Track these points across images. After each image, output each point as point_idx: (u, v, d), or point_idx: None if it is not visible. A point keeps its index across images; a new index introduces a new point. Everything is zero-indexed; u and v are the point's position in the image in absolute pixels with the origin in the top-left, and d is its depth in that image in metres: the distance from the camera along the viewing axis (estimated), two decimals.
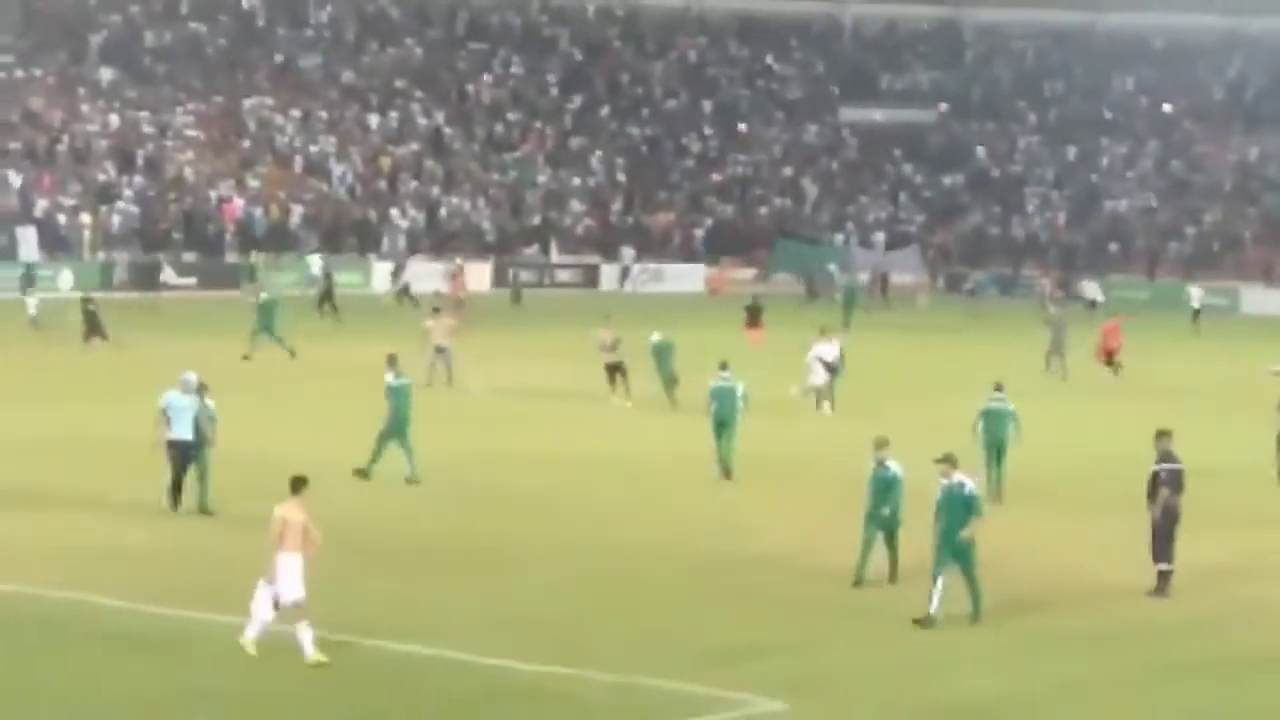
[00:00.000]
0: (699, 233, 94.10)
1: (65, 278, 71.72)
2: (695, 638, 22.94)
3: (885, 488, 25.45)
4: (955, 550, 23.74)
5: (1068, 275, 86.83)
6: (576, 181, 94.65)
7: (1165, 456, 26.04)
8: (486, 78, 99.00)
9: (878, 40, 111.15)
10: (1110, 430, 41.53)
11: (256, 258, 77.76)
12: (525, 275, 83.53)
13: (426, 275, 72.58)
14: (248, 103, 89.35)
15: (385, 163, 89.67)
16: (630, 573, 26.62)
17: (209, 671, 20.92)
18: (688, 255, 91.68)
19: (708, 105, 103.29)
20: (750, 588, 25.81)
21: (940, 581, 23.56)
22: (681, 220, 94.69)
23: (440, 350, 46.11)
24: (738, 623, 23.87)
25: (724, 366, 35.34)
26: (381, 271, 78.35)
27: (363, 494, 31.62)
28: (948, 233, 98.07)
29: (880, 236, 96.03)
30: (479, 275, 73.14)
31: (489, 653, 21.74)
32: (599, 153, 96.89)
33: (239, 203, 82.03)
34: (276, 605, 21.10)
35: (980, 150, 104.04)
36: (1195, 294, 73.73)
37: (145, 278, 74.73)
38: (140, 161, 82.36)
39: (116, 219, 78.05)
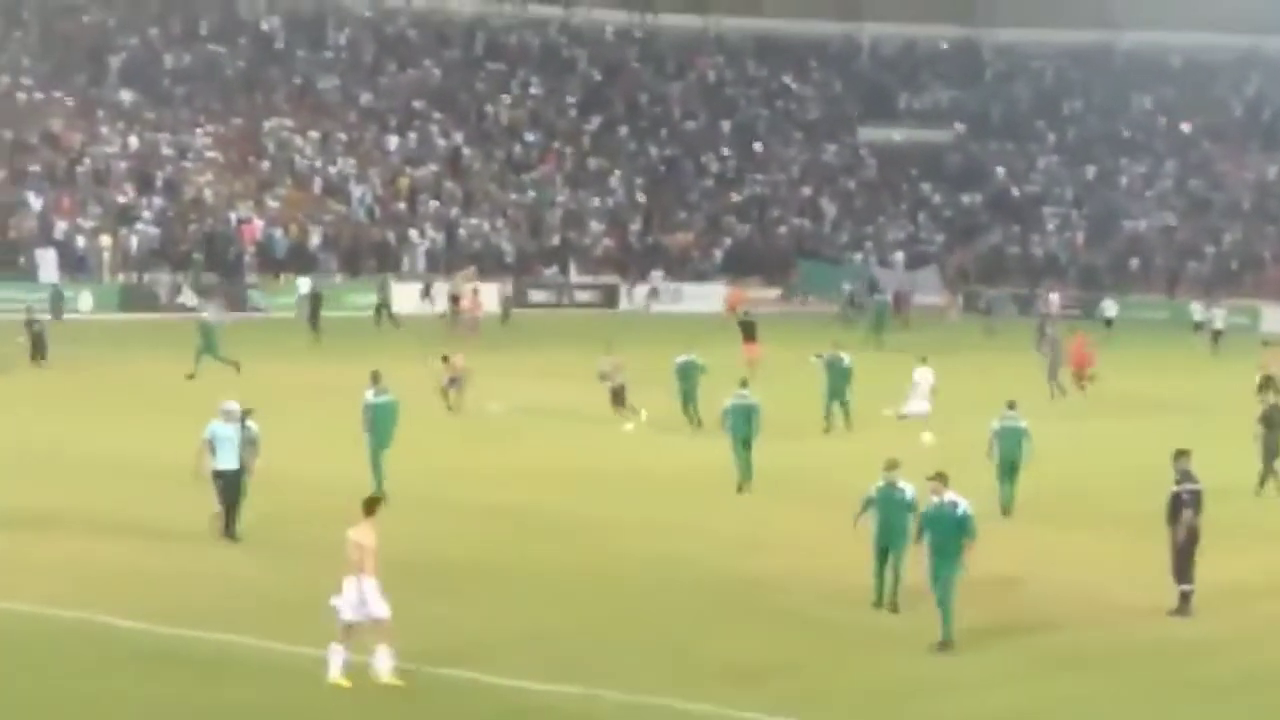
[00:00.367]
0: (718, 253, 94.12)
1: (85, 299, 72.09)
2: (708, 656, 22.88)
3: (897, 510, 25.31)
4: (939, 574, 23.57)
5: (1082, 294, 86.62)
6: (595, 202, 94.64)
7: (1185, 476, 25.92)
8: (505, 98, 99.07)
9: (896, 60, 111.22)
10: (1126, 449, 41.35)
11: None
12: (538, 295, 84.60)
13: (439, 295, 74.65)
14: (267, 124, 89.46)
15: (404, 184, 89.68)
16: (643, 591, 26.56)
17: (227, 689, 20.93)
18: (706, 274, 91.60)
19: (726, 125, 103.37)
20: (765, 606, 25.74)
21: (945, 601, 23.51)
22: (700, 240, 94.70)
23: (453, 380, 46.06)
24: (751, 641, 23.79)
25: (744, 384, 36.23)
26: (409, 292, 78.04)
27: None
28: (966, 252, 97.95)
29: (899, 256, 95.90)
30: (488, 295, 73.18)
31: (504, 672, 21.74)
32: (618, 173, 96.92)
33: (258, 224, 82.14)
34: (348, 628, 21.16)
35: (999, 170, 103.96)
36: (1217, 314, 73.70)
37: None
38: (160, 183, 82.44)
39: (135, 240, 78.16)
